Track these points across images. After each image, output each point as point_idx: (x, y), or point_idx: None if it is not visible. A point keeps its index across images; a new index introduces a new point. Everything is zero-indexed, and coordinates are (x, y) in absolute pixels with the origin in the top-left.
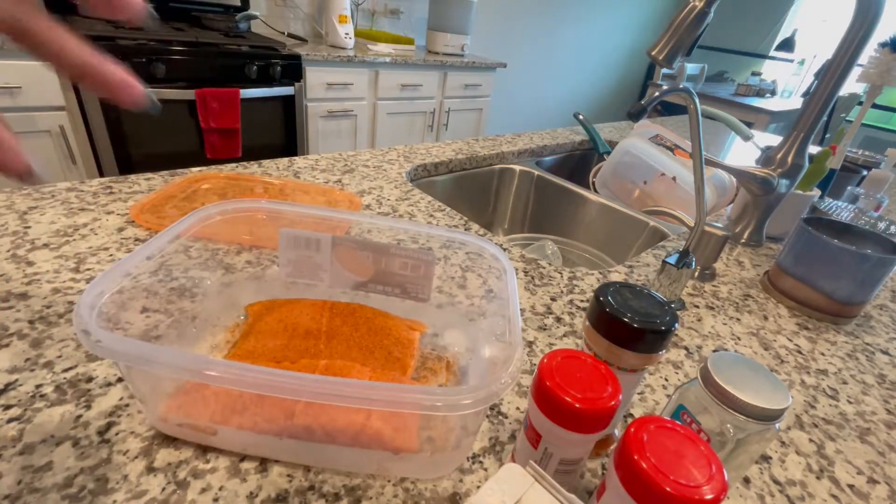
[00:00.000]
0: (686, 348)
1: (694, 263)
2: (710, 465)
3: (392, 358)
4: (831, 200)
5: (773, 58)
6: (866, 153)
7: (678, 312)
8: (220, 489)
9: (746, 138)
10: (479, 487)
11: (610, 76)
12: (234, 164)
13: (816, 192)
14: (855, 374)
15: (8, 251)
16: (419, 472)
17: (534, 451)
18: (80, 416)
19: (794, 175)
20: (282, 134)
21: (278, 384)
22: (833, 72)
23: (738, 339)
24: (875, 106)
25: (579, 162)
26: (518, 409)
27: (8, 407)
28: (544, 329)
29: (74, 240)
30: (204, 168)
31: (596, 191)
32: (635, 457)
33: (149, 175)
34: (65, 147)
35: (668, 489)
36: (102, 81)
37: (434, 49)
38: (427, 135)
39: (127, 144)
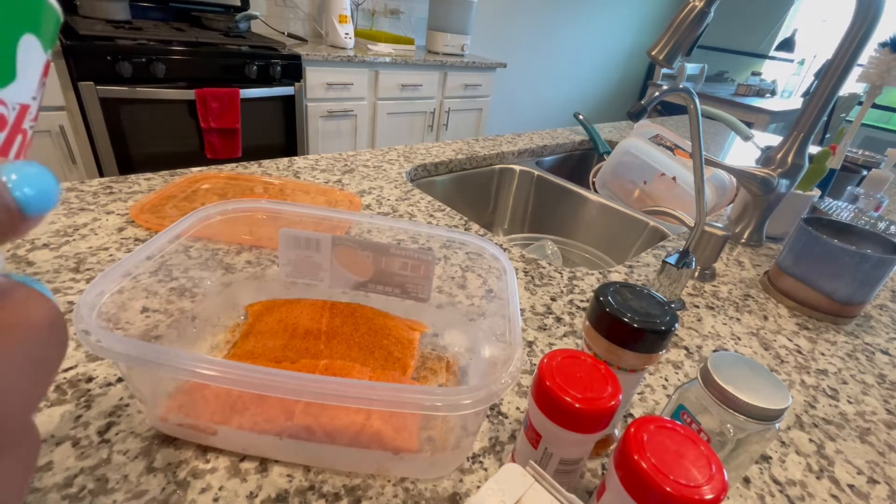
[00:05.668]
0: (686, 348)
1: (694, 263)
2: (710, 465)
3: (392, 358)
4: (831, 200)
5: (773, 58)
6: (866, 153)
7: (678, 312)
8: (220, 489)
9: (746, 138)
10: (479, 487)
11: (610, 76)
12: (234, 164)
13: (816, 192)
14: (855, 374)
15: (8, 251)
16: (419, 472)
17: (534, 451)
18: (80, 416)
19: (794, 175)
20: (282, 134)
21: (278, 384)
22: (833, 72)
23: (738, 339)
24: (875, 106)
25: (579, 162)
26: (518, 409)
27: None
28: (544, 329)
29: (74, 240)
30: (204, 168)
31: (596, 191)
32: (635, 457)
33: (149, 175)
34: (65, 147)
35: (668, 489)
36: None
37: (434, 49)
38: (427, 135)
39: (127, 144)
